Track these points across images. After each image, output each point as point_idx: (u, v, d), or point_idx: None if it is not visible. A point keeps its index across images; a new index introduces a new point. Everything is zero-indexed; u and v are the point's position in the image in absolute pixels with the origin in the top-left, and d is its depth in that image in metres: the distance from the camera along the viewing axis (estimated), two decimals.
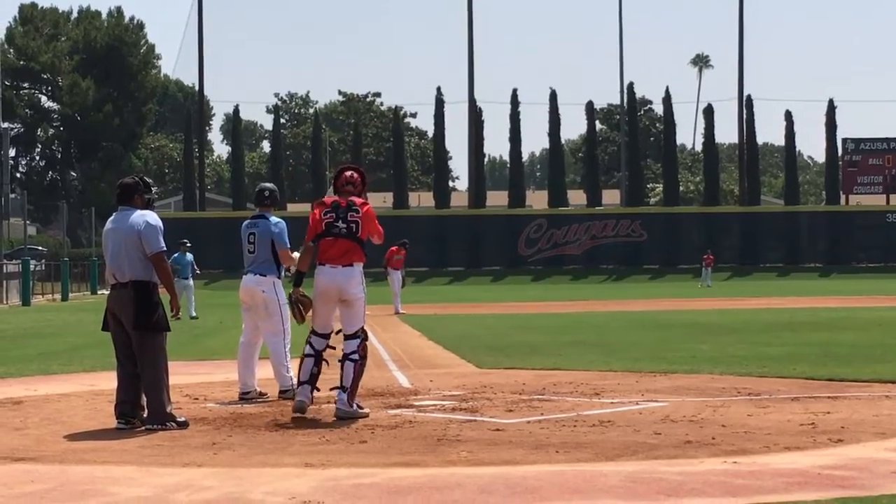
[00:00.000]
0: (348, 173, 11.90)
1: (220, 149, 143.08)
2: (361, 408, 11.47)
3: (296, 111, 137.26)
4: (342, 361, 11.43)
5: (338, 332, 11.64)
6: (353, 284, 11.44)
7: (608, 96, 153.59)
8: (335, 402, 11.40)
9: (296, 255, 12.77)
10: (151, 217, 11.12)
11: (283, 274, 13.32)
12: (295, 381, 12.03)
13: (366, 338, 11.61)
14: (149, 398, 10.92)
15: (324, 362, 11.60)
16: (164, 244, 11.06)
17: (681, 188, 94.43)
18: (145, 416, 10.95)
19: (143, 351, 10.98)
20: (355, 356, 11.37)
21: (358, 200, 11.63)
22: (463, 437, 10.07)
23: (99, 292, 59.68)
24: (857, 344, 19.79)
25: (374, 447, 9.65)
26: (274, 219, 13.25)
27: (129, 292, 10.98)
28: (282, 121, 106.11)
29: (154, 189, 11.71)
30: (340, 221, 11.48)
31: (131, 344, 11.04)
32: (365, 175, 12.09)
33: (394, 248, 35.57)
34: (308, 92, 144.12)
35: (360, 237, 11.49)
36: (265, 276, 13.12)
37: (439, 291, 60.04)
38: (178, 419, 10.95)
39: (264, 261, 13.14)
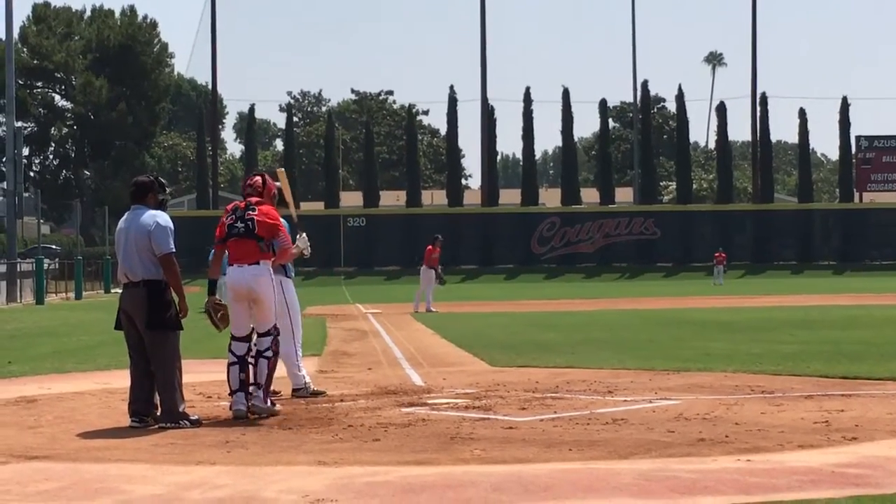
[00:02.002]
0: (251, 180, 12.14)
1: (234, 147, 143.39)
2: (274, 404, 11.63)
3: (309, 110, 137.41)
4: (256, 358, 11.55)
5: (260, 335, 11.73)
6: (262, 283, 11.54)
7: (621, 94, 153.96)
8: (252, 399, 11.46)
9: (295, 250, 12.84)
10: (162, 218, 11.13)
11: (290, 273, 13.30)
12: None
13: (278, 333, 11.69)
14: (162, 397, 10.95)
15: (250, 366, 11.65)
16: (173, 245, 11.09)
17: (694, 186, 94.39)
18: (158, 414, 10.97)
19: (156, 350, 11.00)
20: (269, 353, 11.51)
21: (254, 200, 11.81)
22: (476, 436, 10.06)
23: (112, 291, 59.81)
24: (871, 342, 19.74)
25: (387, 445, 9.65)
26: None
27: (141, 291, 11.01)
28: (295, 119, 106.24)
29: (168, 190, 11.73)
30: (239, 222, 11.67)
31: (142, 343, 11.06)
32: (266, 178, 12.16)
33: (429, 246, 35.38)
34: (321, 90, 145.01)
35: (257, 234, 11.56)
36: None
37: (452, 290, 59.99)
38: (191, 417, 10.96)
39: None
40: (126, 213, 11.39)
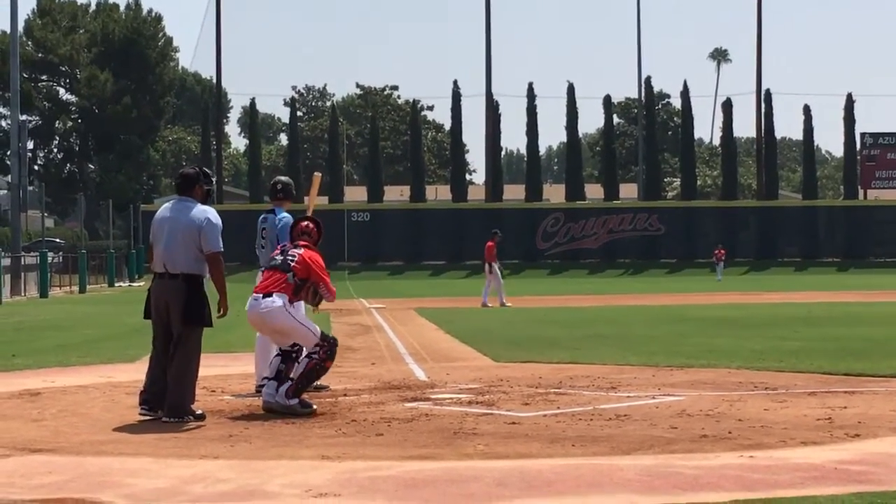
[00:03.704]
0: (304, 223, 12.12)
1: (238, 141, 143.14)
2: (307, 406, 11.33)
3: (313, 104, 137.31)
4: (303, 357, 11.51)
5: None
6: (272, 315, 11.38)
7: (626, 90, 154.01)
8: (276, 395, 11.37)
9: None
10: (213, 214, 11.13)
11: None
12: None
13: (329, 345, 11.49)
14: (172, 390, 10.90)
15: (293, 360, 11.58)
16: (221, 244, 11.08)
17: (698, 182, 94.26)
18: (164, 407, 10.98)
19: (181, 343, 10.98)
20: (315, 355, 11.37)
21: (303, 243, 11.81)
22: (479, 431, 10.07)
23: (116, 284, 59.81)
24: (875, 338, 19.74)
25: (390, 440, 9.67)
26: (281, 213, 13.34)
27: (179, 284, 11.00)
28: (299, 114, 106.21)
29: (214, 179, 11.74)
30: (279, 255, 11.78)
31: (170, 335, 11.06)
32: (321, 226, 12.18)
33: (489, 242, 35.44)
34: (325, 85, 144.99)
35: (293, 268, 11.50)
36: None
37: (456, 285, 60.06)
38: (196, 412, 10.96)
39: None
40: (171, 202, 11.37)
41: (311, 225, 12.06)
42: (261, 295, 11.42)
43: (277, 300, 11.36)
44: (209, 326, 11.20)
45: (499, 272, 35.05)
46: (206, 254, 10.99)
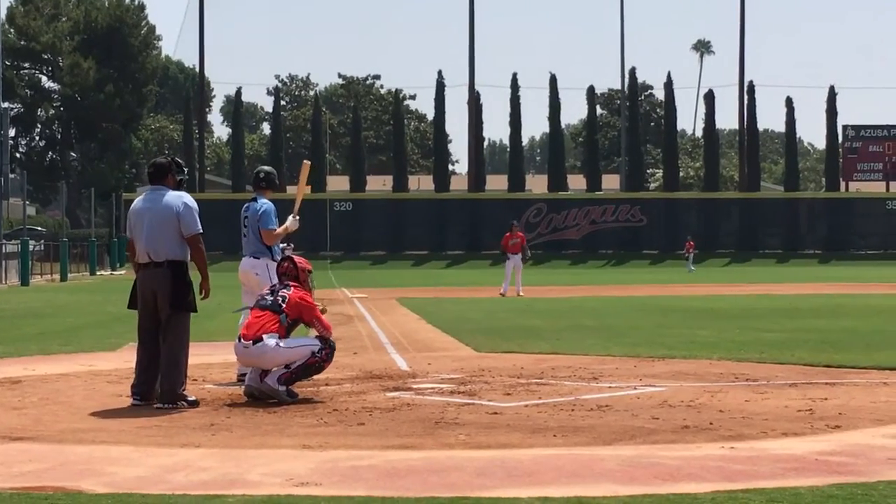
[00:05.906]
0: (282, 266, 12.19)
1: (220, 130, 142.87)
2: (293, 394, 11.36)
3: (296, 93, 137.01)
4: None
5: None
6: (269, 358, 11.31)
7: (609, 81, 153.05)
8: (266, 377, 11.40)
9: (280, 230, 13.31)
10: (188, 199, 11.18)
11: (276, 255, 13.38)
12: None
13: (331, 349, 11.52)
14: (164, 377, 10.98)
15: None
16: (200, 226, 11.09)
17: (681, 174, 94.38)
18: (158, 394, 11.03)
19: (170, 330, 11.04)
20: (318, 354, 11.39)
21: (294, 284, 11.83)
22: (461, 421, 10.07)
23: (98, 273, 59.67)
24: (856, 330, 19.79)
25: (371, 429, 9.66)
26: (262, 200, 13.41)
27: (165, 271, 11.05)
28: (282, 103, 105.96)
29: (186, 170, 11.75)
30: (269, 295, 11.76)
31: (157, 324, 11.09)
32: (297, 263, 12.12)
33: (507, 233, 35.99)
34: (308, 74, 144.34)
35: (284, 310, 11.48)
36: (258, 258, 13.34)
37: (438, 275, 60.07)
38: (189, 399, 11.04)
39: (256, 243, 13.34)
40: (144, 193, 11.41)
41: (288, 265, 12.10)
42: (250, 342, 11.30)
43: (269, 342, 11.29)
44: (193, 312, 11.22)
45: (512, 263, 35.47)
46: (187, 237, 11.03)
